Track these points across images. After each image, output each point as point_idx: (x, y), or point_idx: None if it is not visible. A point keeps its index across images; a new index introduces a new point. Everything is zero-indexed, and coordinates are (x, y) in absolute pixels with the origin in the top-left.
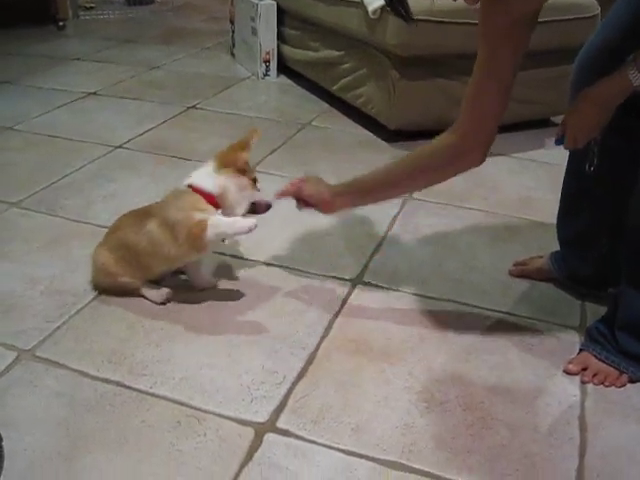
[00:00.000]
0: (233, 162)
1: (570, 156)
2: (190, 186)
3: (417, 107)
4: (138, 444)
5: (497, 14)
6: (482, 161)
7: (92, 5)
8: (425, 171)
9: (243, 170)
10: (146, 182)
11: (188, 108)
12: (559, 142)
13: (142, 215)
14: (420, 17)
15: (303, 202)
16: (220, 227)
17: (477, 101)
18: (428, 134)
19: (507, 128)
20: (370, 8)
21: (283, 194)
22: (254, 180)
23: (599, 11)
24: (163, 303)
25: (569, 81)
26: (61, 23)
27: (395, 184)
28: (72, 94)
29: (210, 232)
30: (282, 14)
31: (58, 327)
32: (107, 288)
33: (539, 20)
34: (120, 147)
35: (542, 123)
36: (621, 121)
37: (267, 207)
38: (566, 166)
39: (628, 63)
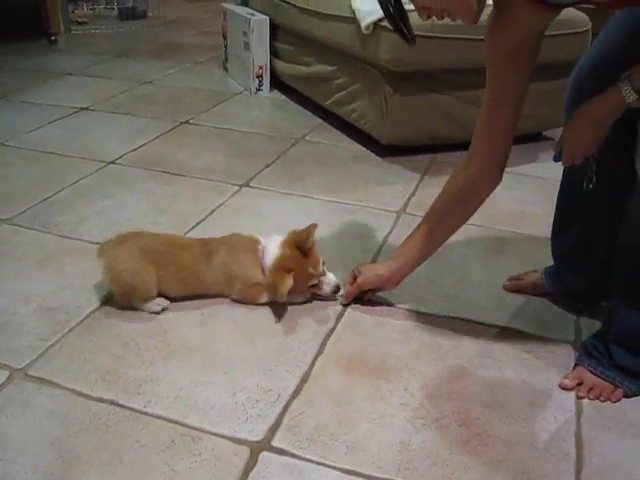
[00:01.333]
0: (301, 240)
1: (564, 171)
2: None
3: (410, 122)
4: (132, 464)
5: (505, 35)
6: (501, 179)
7: (84, 20)
8: (456, 210)
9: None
10: (139, 198)
11: (181, 123)
12: (557, 159)
13: (200, 243)
14: (414, 32)
15: (368, 291)
16: (275, 296)
17: (489, 130)
18: (421, 149)
19: None
20: (363, 24)
21: (349, 298)
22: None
23: (590, 26)
24: (157, 312)
25: (565, 97)
26: (53, 38)
27: (437, 234)
28: (64, 109)
29: (264, 299)
30: (275, 29)
31: (51, 345)
32: (124, 294)
33: None
34: (113, 163)
35: (535, 137)
36: (614, 136)
37: (334, 290)
38: (560, 181)
39: (622, 80)
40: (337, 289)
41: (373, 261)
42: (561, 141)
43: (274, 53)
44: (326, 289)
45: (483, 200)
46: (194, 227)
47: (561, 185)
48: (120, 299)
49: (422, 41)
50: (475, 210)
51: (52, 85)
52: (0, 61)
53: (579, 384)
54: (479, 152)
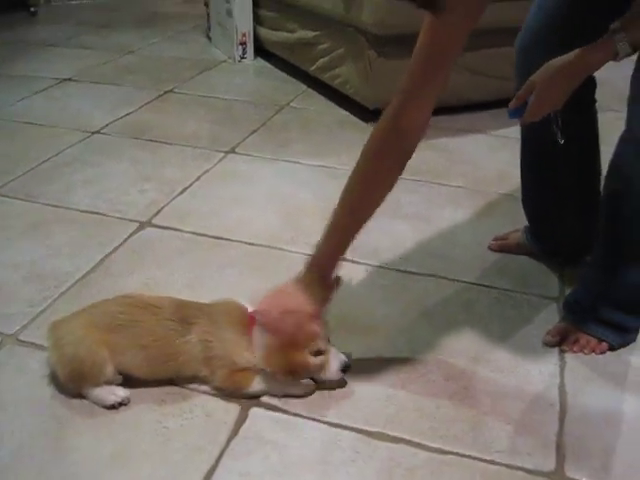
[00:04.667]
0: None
1: (523, 132)
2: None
3: (395, 86)
4: (124, 423)
5: None
6: (418, 142)
7: None
8: (375, 168)
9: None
10: (126, 166)
11: (165, 92)
12: (515, 114)
13: (174, 305)
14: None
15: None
16: (266, 388)
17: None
18: None
19: (486, 105)
20: None
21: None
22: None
23: None
24: (113, 406)
25: (515, 63)
26: (33, 9)
27: (357, 195)
28: (47, 80)
29: (255, 387)
30: None
31: (42, 311)
32: (69, 376)
33: None
34: (98, 132)
35: None
36: (573, 95)
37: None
38: (521, 144)
39: (615, 32)
40: (347, 366)
41: None
42: (520, 97)
43: (257, 20)
44: (333, 367)
45: (400, 161)
46: (181, 193)
47: (522, 151)
48: (66, 383)
49: (405, 4)
50: (394, 174)
51: (34, 57)
52: None
53: (562, 339)
54: (399, 102)
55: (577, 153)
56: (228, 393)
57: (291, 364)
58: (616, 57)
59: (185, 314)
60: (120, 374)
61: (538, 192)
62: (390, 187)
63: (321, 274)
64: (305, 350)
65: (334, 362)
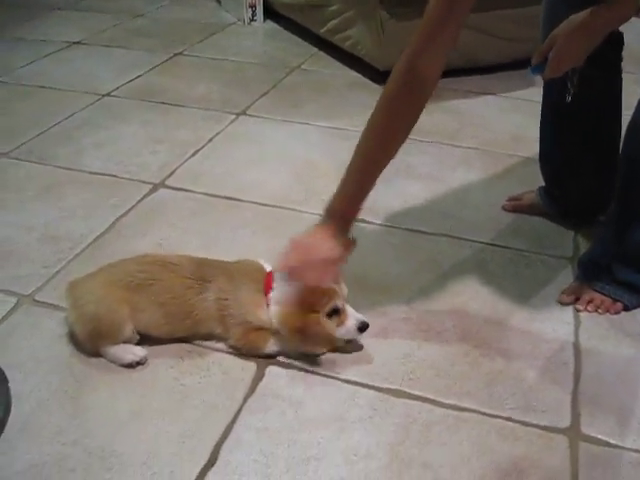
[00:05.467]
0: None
1: (546, 89)
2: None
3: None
4: (142, 380)
5: None
6: (435, 85)
7: None
8: (393, 113)
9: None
10: (137, 128)
11: (175, 55)
12: (536, 70)
13: (194, 263)
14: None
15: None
16: (282, 348)
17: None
18: None
19: (496, 68)
20: None
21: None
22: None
23: None
24: (131, 365)
25: (541, 18)
26: None
27: (376, 140)
28: (56, 44)
29: (271, 348)
30: None
31: (57, 272)
32: (88, 335)
33: None
34: (108, 95)
35: (530, 62)
36: (599, 52)
37: (361, 329)
38: (542, 101)
39: None
40: (364, 326)
41: None
42: (543, 52)
43: None
44: (351, 325)
45: (418, 103)
46: (193, 155)
47: (544, 105)
48: (85, 342)
49: None
50: (414, 115)
51: (42, 20)
52: None
53: (577, 299)
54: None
55: (597, 110)
56: (244, 352)
57: (305, 324)
58: (638, 13)
59: (203, 272)
60: (138, 334)
61: (556, 149)
62: (408, 131)
63: (343, 220)
64: (321, 312)
65: (351, 321)
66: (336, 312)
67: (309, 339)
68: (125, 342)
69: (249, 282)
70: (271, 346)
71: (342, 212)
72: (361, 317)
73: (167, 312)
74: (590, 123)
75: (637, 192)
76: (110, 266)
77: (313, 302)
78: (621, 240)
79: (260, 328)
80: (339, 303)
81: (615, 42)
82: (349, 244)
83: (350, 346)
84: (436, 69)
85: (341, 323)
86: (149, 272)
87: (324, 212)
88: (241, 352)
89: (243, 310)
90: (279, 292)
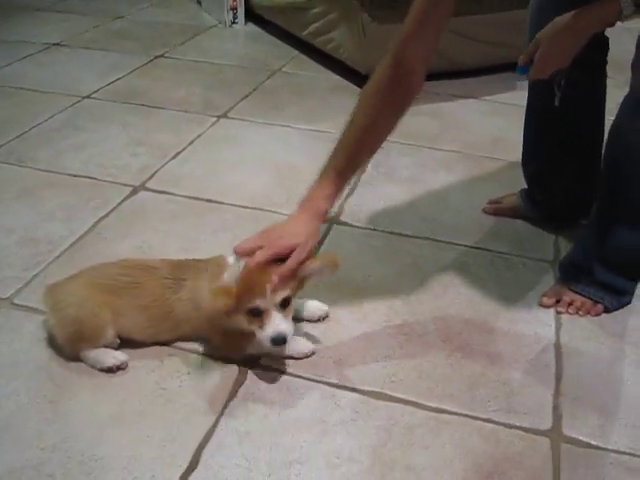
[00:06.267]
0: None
1: (530, 91)
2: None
3: None
4: (122, 384)
5: None
6: (423, 79)
7: None
8: (379, 106)
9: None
10: (117, 131)
11: (156, 57)
12: (522, 71)
13: (171, 265)
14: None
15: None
16: (261, 350)
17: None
18: None
19: (477, 71)
20: None
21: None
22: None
23: None
24: (111, 369)
25: (527, 21)
26: None
27: (363, 132)
28: (35, 45)
29: (249, 350)
30: None
31: (35, 275)
32: (68, 338)
33: None
34: (88, 97)
35: (512, 66)
36: (584, 53)
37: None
38: (527, 103)
39: None
40: (279, 338)
41: (354, 189)
42: (529, 53)
43: None
44: (264, 334)
45: (406, 98)
46: (174, 157)
47: (528, 107)
48: (65, 345)
49: None
50: (400, 111)
51: (20, 21)
52: None
53: (558, 301)
54: (401, 40)
55: (581, 113)
56: (224, 353)
57: (216, 311)
58: (620, 16)
59: (180, 272)
60: (120, 338)
61: (539, 151)
62: (392, 126)
63: (318, 210)
64: (240, 306)
65: (268, 328)
66: (256, 313)
67: (218, 328)
68: (106, 346)
69: (213, 275)
70: (250, 348)
71: (318, 202)
72: (285, 329)
73: (149, 315)
74: (574, 125)
75: (619, 195)
76: (91, 269)
77: (240, 294)
78: (602, 242)
79: (241, 330)
80: (260, 304)
81: (600, 45)
82: (317, 235)
83: (332, 349)
84: (422, 61)
85: (259, 327)
86: (130, 275)
87: (300, 202)
88: (222, 353)
89: (202, 299)
90: (228, 275)
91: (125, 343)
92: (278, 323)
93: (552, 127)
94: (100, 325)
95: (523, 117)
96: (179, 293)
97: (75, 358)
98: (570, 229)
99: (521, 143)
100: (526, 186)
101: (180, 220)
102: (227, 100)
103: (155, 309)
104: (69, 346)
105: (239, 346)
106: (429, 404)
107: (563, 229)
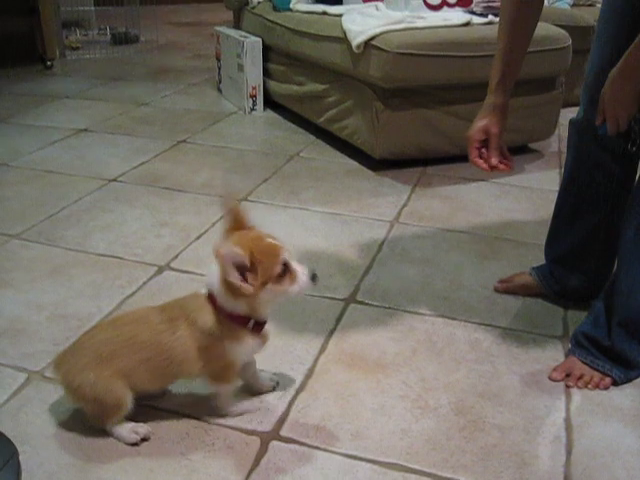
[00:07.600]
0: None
1: (568, 165)
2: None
3: (401, 137)
4: (150, 455)
5: None
6: None
7: (78, 45)
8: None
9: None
10: (142, 213)
11: (178, 142)
12: (603, 130)
13: (158, 310)
14: (402, 51)
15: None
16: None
17: None
18: (412, 163)
19: None
20: (354, 43)
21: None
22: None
23: (570, 42)
24: (136, 444)
25: (583, 87)
26: (49, 63)
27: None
28: (63, 131)
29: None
30: (267, 50)
31: None
32: (95, 414)
33: None
34: (114, 180)
35: (520, 150)
36: None
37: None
38: (563, 178)
39: None
40: (316, 275)
41: (369, 269)
42: (601, 111)
43: (267, 73)
44: (302, 280)
45: None
46: (197, 239)
47: (562, 191)
48: (90, 421)
49: (410, 58)
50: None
51: (50, 108)
52: None
53: (567, 375)
54: None
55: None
56: (221, 380)
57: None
58: None
59: (169, 314)
60: (138, 398)
61: (570, 232)
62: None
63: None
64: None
65: (302, 276)
66: (284, 271)
67: (216, 356)
68: (128, 419)
69: (196, 307)
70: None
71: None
72: (308, 267)
73: (153, 365)
74: (611, 205)
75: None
76: (89, 337)
77: (262, 265)
78: (615, 310)
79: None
80: (287, 256)
81: None
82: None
83: (350, 422)
84: None
85: (291, 281)
86: (125, 332)
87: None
88: (218, 381)
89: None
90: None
91: (150, 415)
92: (302, 266)
93: (588, 207)
94: (117, 398)
95: (532, 198)
96: (177, 332)
97: (102, 430)
98: (579, 305)
99: (530, 223)
100: (536, 264)
101: None
102: (247, 184)
103: (157, 357)
104: (94, 421)
105: (232, 374)
106: (444, 475)
107: (572, 306)
